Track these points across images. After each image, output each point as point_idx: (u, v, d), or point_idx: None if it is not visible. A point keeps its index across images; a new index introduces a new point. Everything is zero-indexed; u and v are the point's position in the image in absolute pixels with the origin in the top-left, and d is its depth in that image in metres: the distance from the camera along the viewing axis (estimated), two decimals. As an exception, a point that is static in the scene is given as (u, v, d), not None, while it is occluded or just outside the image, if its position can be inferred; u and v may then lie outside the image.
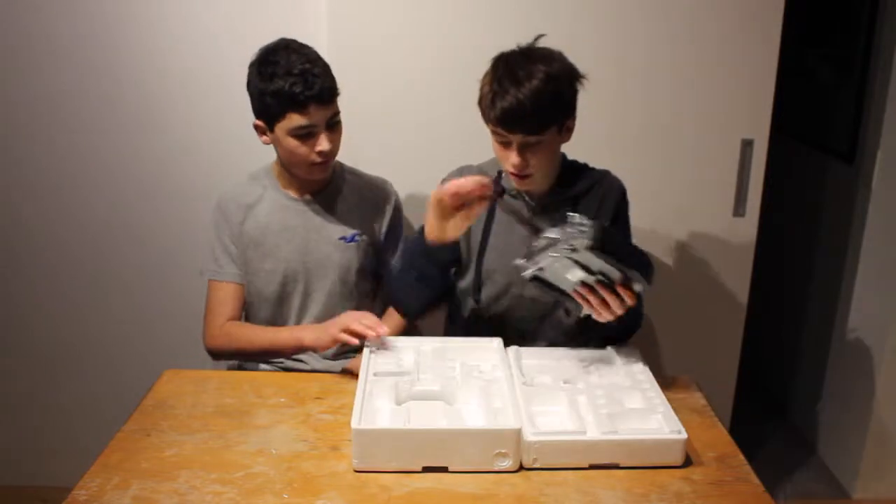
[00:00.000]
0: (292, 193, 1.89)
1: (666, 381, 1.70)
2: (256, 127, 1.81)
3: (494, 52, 1.83)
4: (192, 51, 2.24)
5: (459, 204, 1.60)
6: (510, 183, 1.76)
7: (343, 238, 1.90)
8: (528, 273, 1.53)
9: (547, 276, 1.53)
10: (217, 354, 1.89)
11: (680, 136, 2.20)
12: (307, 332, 1.79)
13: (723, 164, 2.22)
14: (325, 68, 1.74)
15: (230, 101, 2.26)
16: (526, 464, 1.40)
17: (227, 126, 2.28)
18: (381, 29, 2.11)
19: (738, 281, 2.30)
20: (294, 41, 1.76)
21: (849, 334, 2.67)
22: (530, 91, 1.56)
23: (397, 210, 2.00)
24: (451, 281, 1.87)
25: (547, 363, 1.66)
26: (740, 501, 1.34)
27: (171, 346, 2.38)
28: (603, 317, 1.55)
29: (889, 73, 2.43)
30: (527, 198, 1.78)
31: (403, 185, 2.08)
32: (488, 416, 1.43)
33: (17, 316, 2.45)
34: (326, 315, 1.88)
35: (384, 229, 1.96)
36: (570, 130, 1.70)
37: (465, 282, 1.85)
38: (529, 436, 1.38)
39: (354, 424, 1.36)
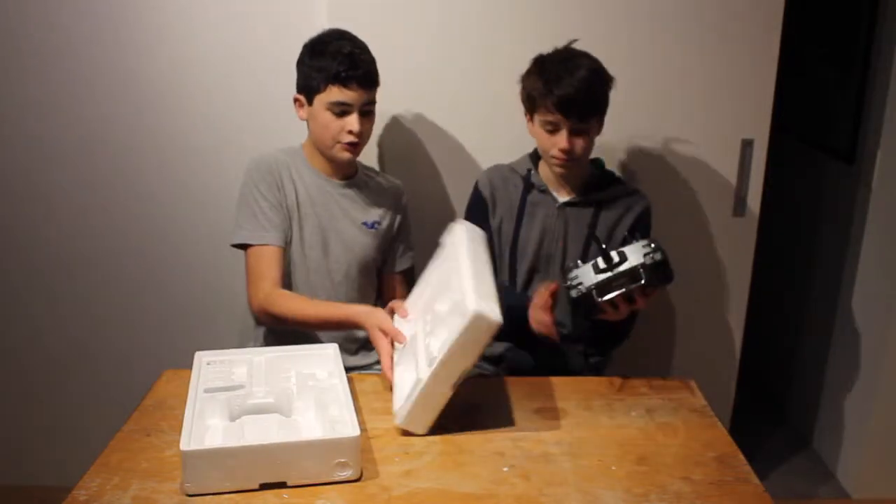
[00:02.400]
0: (321, 174, 1.92)
1: (666, 381, 1.70)
2: (296, 100, 1.88)
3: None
4: (190, 48, 2.24)
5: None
6: (539, 179, 1.93)
7: (365, 223, 1.94)
8: (579, 292, 1.62)
9: (595, 296, 1.61)
10: (263, 321, 1.88)
11: (680, 136, 2.20)
12: (359, 310, 1.72)
13: (723, 164, 2.22)
14: (372, 58, 1.84)
15: (230, 103, 2.27)
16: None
17: (228, 126, 2.28)
18: (380, 30, 2.10)
19: (738, 281, 2.30)
20: (348, 32, 1.86)
21: (849, 334, 2.67)
22: (582, 79, 1.76)
23: (407, 210, 2.04)
24: None
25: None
26: (740, 501, 1.34)
27: (171, 346, 2.38)
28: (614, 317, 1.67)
29: (889, 73, 2.43)
30: (554, 194, 1.93)
31: (407, 184, 2.08)
32: (325, 426, 1.40)
33: (16, 316, 2.45)
34: (334, 298, 1.90)
35: (396, 227, 2.00)
36: (601, 125, 1.86)
37: (500, 273, 1.95)
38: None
39: (183, 447, 1.28)
